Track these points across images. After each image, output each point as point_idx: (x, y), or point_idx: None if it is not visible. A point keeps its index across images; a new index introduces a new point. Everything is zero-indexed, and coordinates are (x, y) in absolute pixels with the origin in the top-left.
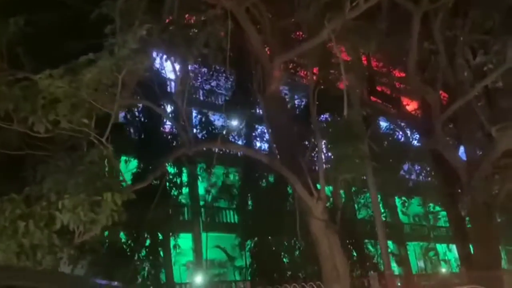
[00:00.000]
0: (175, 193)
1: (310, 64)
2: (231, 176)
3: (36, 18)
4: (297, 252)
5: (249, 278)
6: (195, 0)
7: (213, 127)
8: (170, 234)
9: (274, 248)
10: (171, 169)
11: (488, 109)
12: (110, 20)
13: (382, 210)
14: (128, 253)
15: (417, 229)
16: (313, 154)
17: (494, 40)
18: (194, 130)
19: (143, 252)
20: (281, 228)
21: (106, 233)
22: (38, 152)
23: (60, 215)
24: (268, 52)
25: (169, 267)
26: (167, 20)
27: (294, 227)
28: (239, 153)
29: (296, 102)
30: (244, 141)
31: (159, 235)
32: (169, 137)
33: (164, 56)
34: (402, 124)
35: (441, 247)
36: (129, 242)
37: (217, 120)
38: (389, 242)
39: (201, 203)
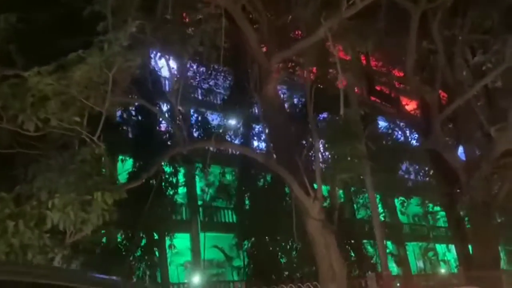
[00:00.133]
0: (171, 193)
1: (307, 63)
2: (229, 176)
3: (28, 15)
4: (294, 252)
5: (245, 279)
6: None
7: (209, 126)
8: (166, 233)
9: (271, 248)
10: (167, 169)
11: (487, 109)
12: (103, 17)
13: (381, 210)
14: (123, 253)
15: (416, 229)
16: (310, 154)
17: (493, 39)
18: (191, 129)
19: (139, 252)
20: (279, 228)
21: (102, 231)
22: (30, 151)
23: (51, 215)
24: (265, 51)
25: (164, 267)
26: (161, 18)
27: (291, 227)
28: (236, 153)
29: (294, 101)
30: (242, 140)
31: (155, 235)
32: (166, 136)
33: (158, 54)
34: (401, 123)
35: (440, 248)
36: (124, 242)
37: (215, 119)
38: (388, 243)
39: (199, 202)
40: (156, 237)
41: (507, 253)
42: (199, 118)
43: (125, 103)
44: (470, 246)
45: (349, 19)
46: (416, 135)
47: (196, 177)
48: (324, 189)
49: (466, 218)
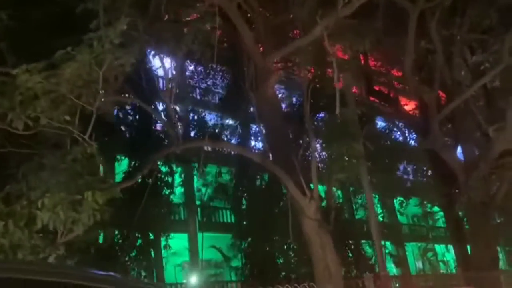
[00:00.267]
0: (167, 192)
1: (304, 62)
2: (227, 176)
3: (20, 13)
4: (291, 253)
5: (243, 279)
6: None
7: (206, 125)
8: (162, 233)
9: (268, 249)
10: (163, 168)
11: (486, 108)
12: (96, 15)
13: (380, 211)
14: (118, 253)
15: (415, 230)
16: (307, 153)
17: (492, 39)
18: (188, 129)
19: (134, 252)
20: (276, 228)
21: (96, 231)
22: (22, 150)
23: (41, 214)
24: (262, 50)
25: (160, 267)
26: (154, 15)
27: (288, 227)
28: (233, 152)
29: (291, 100)
30: (239, 140)
31: (150, 234)
32: (162, 135)
33: (152, 52)
34: (400, 123)
35: (439, 248)
36: (119, 241)
37: (212, 119)
38: (387, 243)
39: (198, 202)
40: (151, 237)
41: (506, 253)
42: (195, 117)
43: (118, 102)
44: (468, 247)
45: (347, 18)
46: (415, 135)
47: (194, 177)
48: (321, 189)
49: (465, 219)
